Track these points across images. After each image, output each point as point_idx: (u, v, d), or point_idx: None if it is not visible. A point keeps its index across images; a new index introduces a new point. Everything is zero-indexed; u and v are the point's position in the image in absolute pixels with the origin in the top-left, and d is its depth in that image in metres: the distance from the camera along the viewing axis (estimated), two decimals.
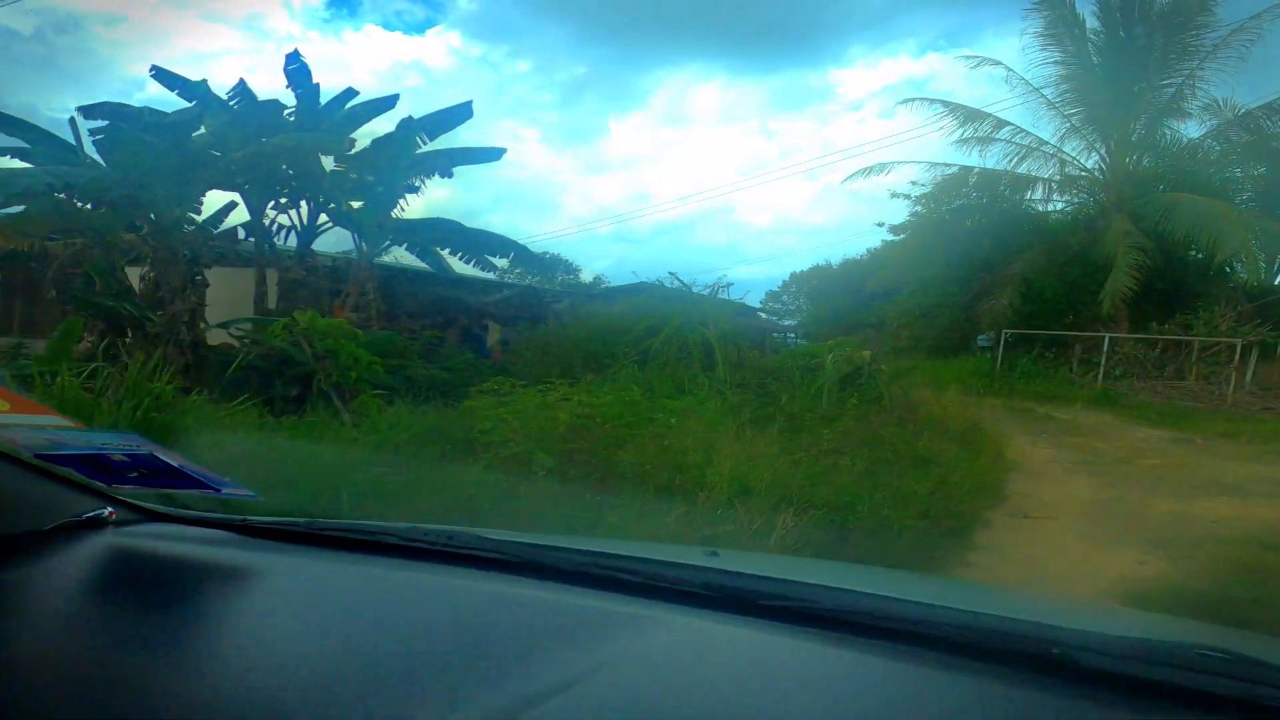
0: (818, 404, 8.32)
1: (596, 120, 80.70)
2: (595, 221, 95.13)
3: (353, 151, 12.52)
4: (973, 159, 18.96)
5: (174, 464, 1.33)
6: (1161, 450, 10.02)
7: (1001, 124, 18.48)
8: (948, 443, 7.95)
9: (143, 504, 1.53)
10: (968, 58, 19.36)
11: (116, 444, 1.36)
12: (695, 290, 10.78)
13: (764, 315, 32.38)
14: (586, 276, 34.77)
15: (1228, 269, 15.73)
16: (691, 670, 1.01)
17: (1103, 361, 14.76)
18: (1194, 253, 15.52)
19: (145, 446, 1.31)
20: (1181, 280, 15.84)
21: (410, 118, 13.07)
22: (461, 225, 14.32)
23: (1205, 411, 12.87)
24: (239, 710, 0.90)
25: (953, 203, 18.65)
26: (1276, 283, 16.76)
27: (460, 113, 13.70)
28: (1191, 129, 17.92)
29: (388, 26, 76.59)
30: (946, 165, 18.50)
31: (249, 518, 1.53)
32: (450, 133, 13.85)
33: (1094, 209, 18.18)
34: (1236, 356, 13.47)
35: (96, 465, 1.37)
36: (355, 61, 70.45)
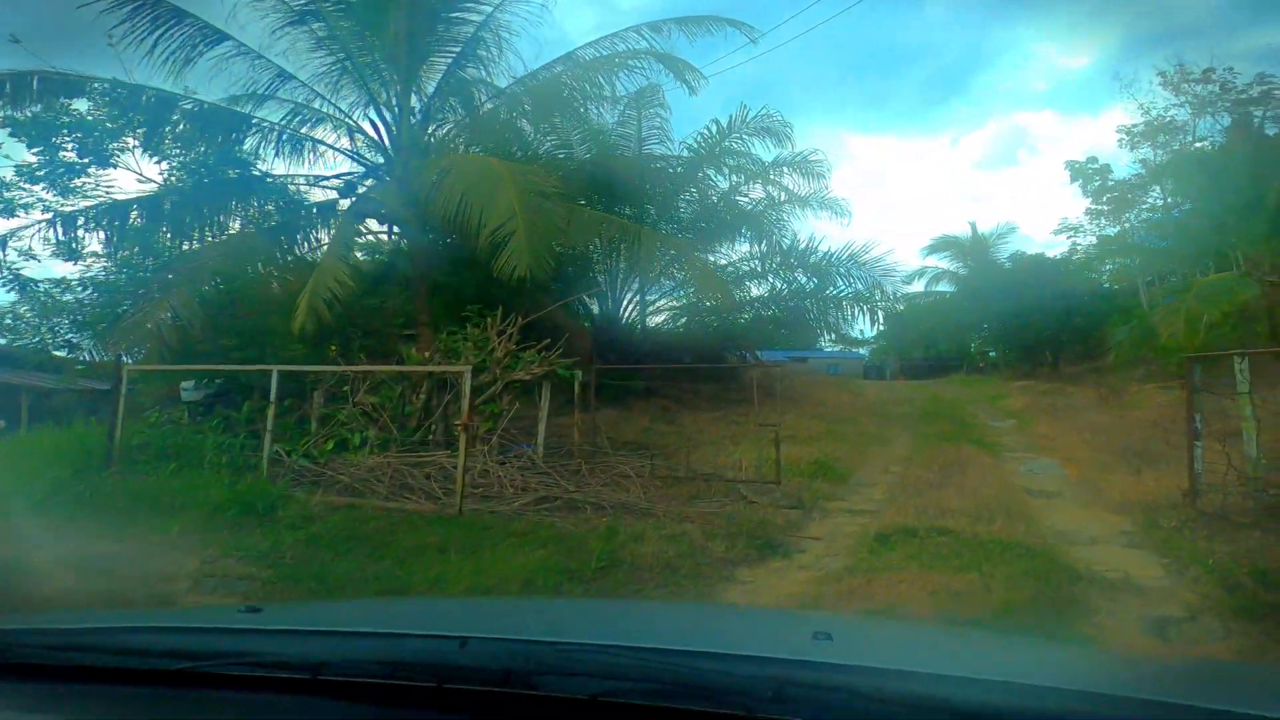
0: None
1: None
2: None
3: None
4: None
5: None
6: None
7: (211, 34, 10.97)
8: None
9: None
10: None
11: None
12: None
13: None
14: None
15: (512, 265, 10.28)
16: None
17: (270, 418, 7.86)
18: (474, 235, 9.66)
19: None
20: (459, 280, 10.22)
21: None
22: None
23: (425, 520, 6.64)
24: None
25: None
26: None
27: None
28: (501, 83, 13.04)
29: None
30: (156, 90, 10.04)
31: None
32: None
33: (379, 177, 11.90)
34: (465, 404, 7.43)
35: None
36: None
